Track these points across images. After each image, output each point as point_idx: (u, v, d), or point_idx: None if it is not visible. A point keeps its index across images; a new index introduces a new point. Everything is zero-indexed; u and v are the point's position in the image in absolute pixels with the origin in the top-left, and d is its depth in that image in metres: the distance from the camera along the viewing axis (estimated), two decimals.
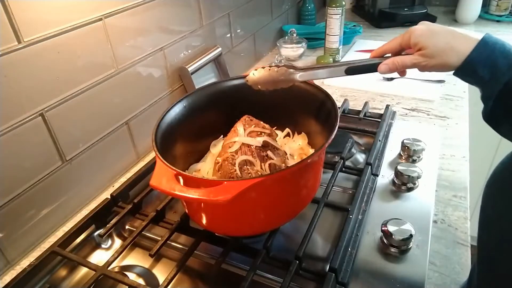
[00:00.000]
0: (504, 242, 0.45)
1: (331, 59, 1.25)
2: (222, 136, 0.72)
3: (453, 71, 0.52)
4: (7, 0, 0.53)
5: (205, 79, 1.01)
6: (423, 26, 0.53)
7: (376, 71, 0.56)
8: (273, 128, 0.68)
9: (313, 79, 0.61)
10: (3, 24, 0.53)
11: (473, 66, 0.49)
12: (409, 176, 0.69)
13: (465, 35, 0.51)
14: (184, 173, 0.50)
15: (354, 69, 0.57)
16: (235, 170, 0.56)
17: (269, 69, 0.62)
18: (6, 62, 0.55)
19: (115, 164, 0.80)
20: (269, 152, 0.60)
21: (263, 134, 0.62)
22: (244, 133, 0.62)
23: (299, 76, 0.60)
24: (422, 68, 0.53)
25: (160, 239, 0.60)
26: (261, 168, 0.58)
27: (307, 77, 0.60)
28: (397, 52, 0.56)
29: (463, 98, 1.03)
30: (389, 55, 0.57)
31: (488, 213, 0.49)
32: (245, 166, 0.57)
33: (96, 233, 0.67)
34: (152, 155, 0.88)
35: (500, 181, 0.47)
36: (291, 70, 0.61)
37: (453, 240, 0.60)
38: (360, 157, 0.81)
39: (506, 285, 0.45)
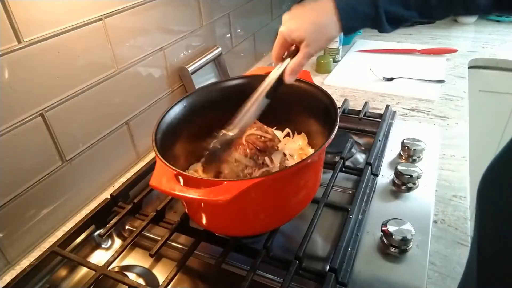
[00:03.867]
0: (500, 238, 0.44)
1: (331, 59, 1.25)
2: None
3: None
4: (7, 0, 0.53)
5: (205, 79, 1.01)
6: (288, 22, 0.54)
7: (284, 83, 0.56)
8: (273, 128, 0.68)
9: (245, 126, 0.58)
10: (3, 24, 0.53)
11: (350, 22, 0.51)
12: (409, 176, 0.69)
13: (318, 6, 0.52)
14: (184, 173, 0.50)
15: (269, 93, 0.56)
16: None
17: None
18: (6, 62, 0.55)
19: (115, 164, 0.80)
20: (266, 159, 0.60)
21: (263, 138, 0.62)
22: (243, 137, 0.61)
23: (232, 134, 0.58)
24: (317, 52, 0.55)
25: (160, 239, 0.60)
26: (252, 173, 0.57)
27: (240, 127, 0.57)
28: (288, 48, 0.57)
29: (463, 98, 1.03)
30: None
31: (484, 208, 0.48)
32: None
33: (96, 233, 0.67)
34: (152, 155, 0.88)
35: (497, 172, 0.47)
36: (225, 135, 0.59)
37: (453, 240, 0.60)
38: (360, 157, 0.81)
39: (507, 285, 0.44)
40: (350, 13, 0.51)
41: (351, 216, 0.61)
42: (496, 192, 0.45)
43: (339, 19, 0.51)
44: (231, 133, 0.57)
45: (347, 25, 0.52)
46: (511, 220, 0.41)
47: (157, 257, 0.63)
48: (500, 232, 0.43)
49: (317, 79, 1.20)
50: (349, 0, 0.50)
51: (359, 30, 0.54)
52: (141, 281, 0.59)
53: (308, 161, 0.50)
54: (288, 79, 0.55)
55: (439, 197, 0.69)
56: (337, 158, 0.74)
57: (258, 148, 0.61)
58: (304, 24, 0.52)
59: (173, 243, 0.64)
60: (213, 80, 1.05)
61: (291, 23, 0.53)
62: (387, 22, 0.50)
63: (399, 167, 0.71)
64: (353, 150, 0.81)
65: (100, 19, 0.68)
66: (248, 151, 0.59)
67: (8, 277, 0.59)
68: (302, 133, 0.71)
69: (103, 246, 0.68)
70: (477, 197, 0.49)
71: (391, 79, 1.15)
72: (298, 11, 0.54)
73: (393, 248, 0.58)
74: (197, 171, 0.67)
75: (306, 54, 0.53)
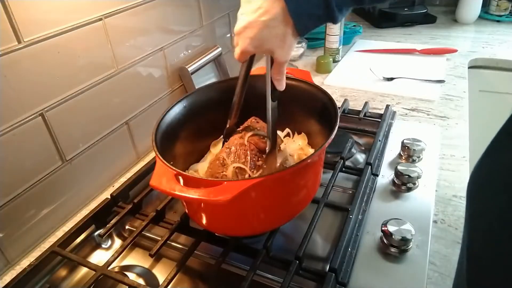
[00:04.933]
0: (492, 238, 0.43)
1: (331, 59, 1.25)
2: (222, 136, 0.72)
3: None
4: (7, 0, 0.53)
5: (205, 79, 1.01)
6: (248, 38, 0.50)
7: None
8: None
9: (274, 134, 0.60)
10: (3, 24, 0.53)
11: (305, 24, 0.48)
12: (409, 176, 0.69)
13: (263, 13, 0.48)
14: (184, 173, 0.50)
15: (272, 96, 0.57)
16: (223, 172, 0.56)
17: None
18: (6, 62, 0.55)
19: (115, 164, 0.80)
20: None
21: (265, 139, 0.62)
22: (245, 137, 0.61)
23: (268, 149, 0.61)
24: (289, 57, 0.54)
25: (160, 239, 0.60)
26: (250, 176, 0.57)
27: (270, 138, 0.60)
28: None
29: (463, 98, 1.03)
30: None
31: (475, 208, 0.47)
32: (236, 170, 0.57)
33: (96, 233, 0.67)
34: (152, 155, 0.88)
35: (487, 170, 0.46)
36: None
37: (453, 240, 0.60)
38: (360, 157, 0.81)
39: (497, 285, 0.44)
40: (304, 19, 0.48)
41: (351, 216, 0.61)
42: (487, 191, 0.44)
43: (293, 24, 0.48)
44: (267, 149, 0.60)
45: (302, 29, 0.50)
46: (503, 219, 0.40)
47: (157, 257, 0.63)
48: (493, 232, 0.43)
49: (317, 79, 1.20)
50: (300, 4, 0.47)
51: (316, 25, 0.51)
52: (141, 281, 0.60)
53: (308, 161, 0.50)
54: (280, 87, 0.56)
55: (439, 197, 0.69)
56: (337, 158, 0.74)
57: (260, 149, 0.61)
58: (266, 40, 0.50)
59: (173, 243, 0.64)
60: (213, 80, 1.05)
61: (255, 41, 0.50)
62: (338, 13, 0.48)
63: (399, 167, 0.71)
64: (353, 150, 0.81)
65: (100, 19, 0.68)
66: (249, 152, 0.59)
67: (8, 277, 0.59)
68: (302, 133, 0.71)
69: (103, 246, 0.68)
70: (467, 197, 0.48)
71: (391, 79, 1.15)
72: (246, 23, 0.50)
73: (393, 248, 0.58)
74: (197, 171, 0.67)
75: (281, 64, 0.53)
